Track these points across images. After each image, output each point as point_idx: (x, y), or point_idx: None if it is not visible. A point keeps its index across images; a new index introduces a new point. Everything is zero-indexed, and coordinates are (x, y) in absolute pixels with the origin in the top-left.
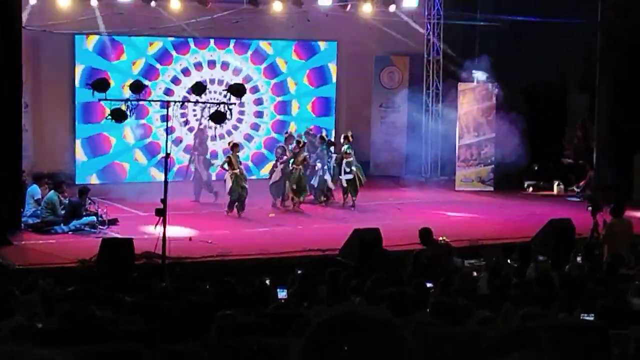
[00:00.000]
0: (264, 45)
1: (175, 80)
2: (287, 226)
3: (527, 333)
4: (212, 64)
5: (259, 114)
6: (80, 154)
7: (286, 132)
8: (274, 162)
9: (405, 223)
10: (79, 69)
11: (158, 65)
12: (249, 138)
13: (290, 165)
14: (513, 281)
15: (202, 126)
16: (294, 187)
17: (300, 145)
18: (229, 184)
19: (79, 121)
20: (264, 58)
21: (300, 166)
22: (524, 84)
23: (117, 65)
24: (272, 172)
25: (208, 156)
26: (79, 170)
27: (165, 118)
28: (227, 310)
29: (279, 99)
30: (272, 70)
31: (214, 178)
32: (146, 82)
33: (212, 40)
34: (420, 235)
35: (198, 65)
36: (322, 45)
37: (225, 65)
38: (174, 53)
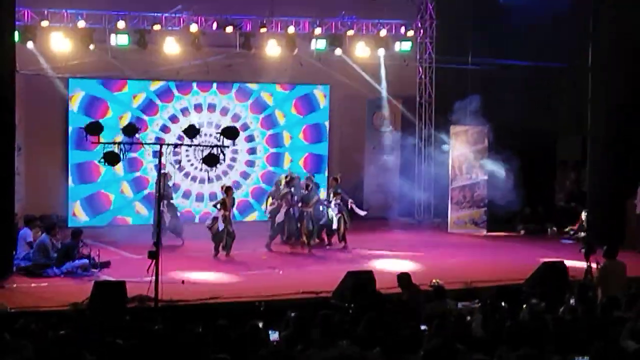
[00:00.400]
0: (264, 95)
1: (174, 119)
2: (279, 268)
3: None
4: (211, 107)
5: (252, 151)
6: (79, 211)
7: (287, 176)
8: (275, 201)
9: (399, 266)
10: (78, 97)
11: (158, 102)
12: (245, 175)
13: (296, 206)
14: (507, 323)
15: (164, 170)
16: (311, 228)
17: (310, 188)
18: (219, 226)
19: (72, 153)
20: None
21: (311, 209)
22: (515, 127)
23: (117, 96)
24: (273, 211)
25: (173, 200)
26: (69, 198)
27: (158, 162)
28: (219, 354)
29: (270, 132)
30: (268, 118)
31: (197, 220)
32: (143, 118)
33: (214, 84)
34: (398, 279)
35: (198, 107)
36: (318, 93)
37: (212, 108)
38: (175, 92)
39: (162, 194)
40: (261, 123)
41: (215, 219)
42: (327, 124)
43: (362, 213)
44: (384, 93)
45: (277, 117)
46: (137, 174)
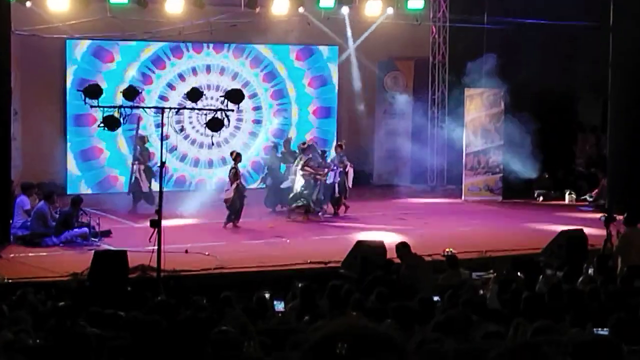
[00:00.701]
0: (263, 50)
1: (171, 86)
2: (287, 237)
3: (536, 348)
4: (208, 69)
5: (257, 121)
6: (72, 165)
7: (303, 143)
8: (292, 165)
9: (410, 234)
10: (70, 74)
11: (152, 71)
12: (246, 146)
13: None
14: (524, 295)
15: (141, 133)
16: (322, 198)
17: (324, 156)
18: (230, 195)
19: (71, 130)
20: (262, 62)
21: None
22: (533, 89)
23: (109, 71)
24: (284, 176)
25: (151, 164)
26: (71, 183)
27: (160, 125)
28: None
29: (277, 103)
30: (271, 75)
31: (191, 187)
32: (140, 88)
33: (210, 45)
34: (396, 249)
35: (194, 71)
36: (323, 50)
37: (222, 71)
38: (168, 59)
39: (139, 158)
40: (263, 78)
41: (226, 191)
42: (333, 74)
43: (349, 183)
44: (352, 52)
45: (288, 89)
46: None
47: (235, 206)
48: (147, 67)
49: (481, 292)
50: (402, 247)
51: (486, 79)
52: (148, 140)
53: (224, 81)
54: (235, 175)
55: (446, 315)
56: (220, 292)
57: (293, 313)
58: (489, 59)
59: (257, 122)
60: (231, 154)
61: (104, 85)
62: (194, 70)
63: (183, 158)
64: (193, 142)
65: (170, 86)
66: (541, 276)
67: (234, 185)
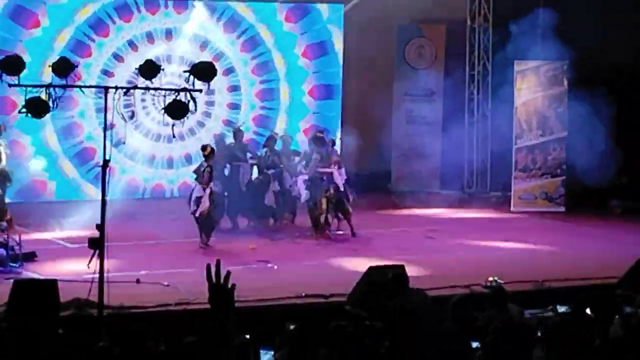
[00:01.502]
0: (241, 9)
1: (118, 57)
2: (274, 262)
3: None
4: (168, 34)
5: (234, 106)
6: None
7: (320, 132)
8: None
9: (442, 258)
10: None
11: (91, 39)
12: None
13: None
14: (595, 343)
15: None
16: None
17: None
18: (207, 205)
19: None
20: (240, 25)
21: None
22: (609, 59)
23: (33, 39)
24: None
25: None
26: None
27: (104, 110)
28: None
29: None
30: (252, 43)
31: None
32: (76, 61)
33: (170, 3)
34: (390, 280)
35: (149, 37)
36: (323, 9)
37: (184, 37)
38: (113, 22)
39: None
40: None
41: (198, 199)
42: (336, 41)
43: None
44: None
45: (275, 61)
46: (70, 119)
47: (211, 220)
48: (84, 33)
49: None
50: (396, 278)
51: (543, 47)
52: (4, 129)
53: (189, 52)
54: (210, 176)
55: None
56: (183, 337)
57: None
58: (547, 21)
59: (234, 106)
60: (204, 148)
61: (26, 57)
62: (150, 37)
63: (134, 155)
64: (147, 133)
65: (117, 57)
66: (617, 316)
67: (208, 191)
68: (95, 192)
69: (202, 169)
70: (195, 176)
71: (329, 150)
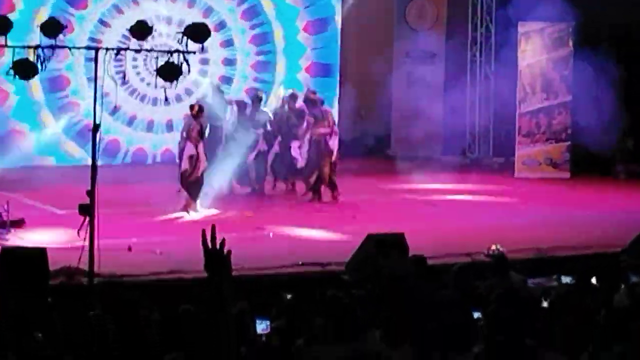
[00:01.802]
0: None
1: (104, 24)
2: (270, 230)
3: None
4: None
5: (229, 62)
6: None
7: (313, 92)
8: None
9: (443, 227)
10: None
11: (71, 12)
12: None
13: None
14: (600, 312)
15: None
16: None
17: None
18: (204, 162)
19: None
20: None
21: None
22: (615, 21)
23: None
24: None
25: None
26: None
27: (94, 74)
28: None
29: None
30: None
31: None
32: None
33: None
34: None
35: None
36: None
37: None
38: None
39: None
40: (241, 15)
41: (191, 157)
42: (337, 19)
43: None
44: None
45: (274, 34)
46: (63, 97)
47: (198, 184)
48: (62, 8)
49: (544, 304)
50: (381, 247)
51: (548, 7)
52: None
53: (181, 12)
54: (200, 135)
55: (492, 340)
56: (176, 305)
57: (279, 336)
58: None
59: (229, 62)
60: (192, 107)
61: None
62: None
63: (133, 122)
64: (143, 98)
65: (104, 23)
66: (623, 285)
67: (202, 149)
68: (78, 152)
69: (191, 126)
70: (185, 135)
71: (322, 110)
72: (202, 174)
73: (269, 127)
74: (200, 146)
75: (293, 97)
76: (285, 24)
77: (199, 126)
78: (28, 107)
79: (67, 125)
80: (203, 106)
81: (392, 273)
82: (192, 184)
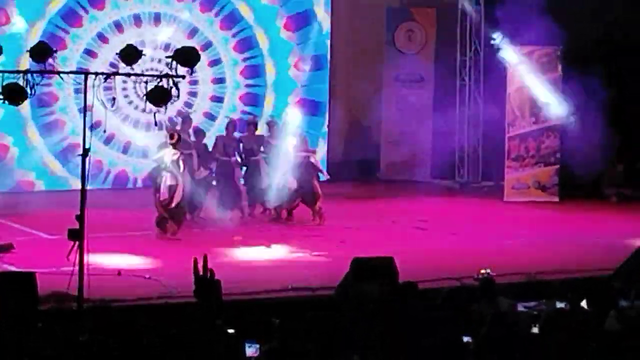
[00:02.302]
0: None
1: (90, 53)
2: (259, 254)
3: None
4: (137, 20)
5: (219, 80)
6: None
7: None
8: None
9: (432, 250)
10: None
11: (66, 31)
12: (210, 117)
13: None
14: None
15: None
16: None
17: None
18: (181, 194)
19: None
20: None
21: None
22: (604, 45)
23: (6, 35)
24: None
25: None
26: None
27: (83, 99)
28: None
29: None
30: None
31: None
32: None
33: None
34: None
35: (118, 27)
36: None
37: (158, 20)
38: (86, 11)
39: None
40: (234, 45)
41: (171, 187)
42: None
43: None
44: None
45: (257, 37)
46: (52, 115)
47: (183, 209)
48: (57, 25)
49: (535, 329)
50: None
51: (538, 31)
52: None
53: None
54: (180, 165)
55: None
56: (166, 330)
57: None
58: (540, 3)
59: (218, 99)
60: (171, 136)
61: None
62: (138, 19)
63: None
64: (135, 123)
65: (90, 53)
66: (613, 309)
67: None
68: (61, 171)
69: (175, 157)
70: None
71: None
72: (181, 202)
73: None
74: (180, 177)
75: (254, 123)
76: (266, 26)
77: (181, 155)
78: (16, 125)
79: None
80: (181, 136)
81: (377, 298)
82: (175, 211)
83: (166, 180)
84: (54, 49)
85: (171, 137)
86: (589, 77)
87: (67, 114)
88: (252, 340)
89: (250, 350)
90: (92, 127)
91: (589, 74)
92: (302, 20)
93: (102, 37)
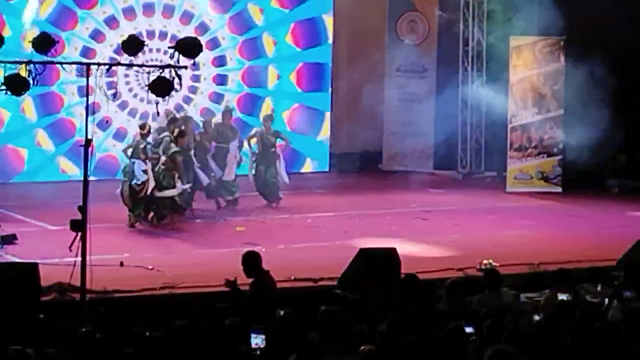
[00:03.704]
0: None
1: (98, 36)
2: (262, 245)
3: None
4: (148, 9)
5: (222, 79)
6: None
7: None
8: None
9: (435, 240)
10: None
11: (77, 10)
12: (208, 114)
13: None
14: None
15: None
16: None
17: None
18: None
19: None
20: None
21: None
22: (607, 36)
23: (15, 4)
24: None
25: None
26: None
27: (86, 90)
28: None
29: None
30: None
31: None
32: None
33: None
34: (243, 261)
35: (129, 12)
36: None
37: (168, 11)
38: (79, 6)
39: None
40: (229, 25)
41: (145, 172)
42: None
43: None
44: None
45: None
46: (58, 115)
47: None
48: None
49: (536, 317)
50: (249, 259)
51: (540, 22)
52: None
53: (172, 26)
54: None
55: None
56: (169, 321)
57: (274, 350)
58: None
59: (222, 80)
60: (142, 127)
61: (6, 32)
62: (130, 12)
63: (121, 135)
64: (133, 113)
65: (97, 36)
66: (615, 300)
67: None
68: (71, 168)
69: (141, 145)
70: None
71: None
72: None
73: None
74: (149, 164)
75: (228, 112)
76: (273, 30)
77: (147, 144)
78: (24, 129)
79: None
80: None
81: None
82: (153, 200)
83: (137, 165)
84: (56, 39)
85: (142, 127)
86: (592, 69)
87: (75, 115)
88: (257, 330)
89: (256, 340)
90: (101, 124)
91: (592, 66)
92: None
93: (108, 24)
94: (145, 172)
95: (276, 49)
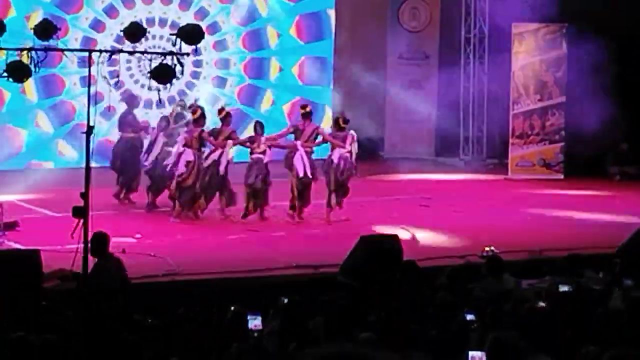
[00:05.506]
0: None
1: (98, 26)
2: (264, 232)
3: None
4: None
5: (225, 63)
6: None
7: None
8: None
9: (436, 228)
10: None
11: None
12: (212, 100)
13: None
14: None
15: None
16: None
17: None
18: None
19: None
20: None
21: None
22: (609, 24)
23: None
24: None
25: None
26: None
27: (87, 79)
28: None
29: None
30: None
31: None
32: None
33: None
34: (91, 240)
35: (128, 0)
36: None
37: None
38: None
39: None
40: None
41: (189, 163)
42: (332, 14)
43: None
44: None
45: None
46: (58, 98)
47: (193, 190)
48: (55, 10)
49: (541, 304)
50: (98, 240)
51: (542, 9)
52: None
53: (172, 12)
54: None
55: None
56: (171, 308)
57: (274, 337)
58: None
59: (225, 64)
60: (194, 111)
61: (11, 12)
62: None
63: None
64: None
65: (97, 26)
66: (617, 287)
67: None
68: (70, 151)
69: (195, 134)
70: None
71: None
72: (195, 182)
73: None
74: (197, 154)
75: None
76: (277, 22)
77: (202, 132)
78: (24, 110)
79: (64, 127)
80: (204, 111)
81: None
82: (185, 191)
83: (185, 155)
84: (57, 26)
85: (193, 112)
86: (595, 56)
87: (74, 99)
88: (255, 312)
89: (254, 322)
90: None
91: (594, 53)
92: None
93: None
94: (189, 163)
95: (279, 41)
